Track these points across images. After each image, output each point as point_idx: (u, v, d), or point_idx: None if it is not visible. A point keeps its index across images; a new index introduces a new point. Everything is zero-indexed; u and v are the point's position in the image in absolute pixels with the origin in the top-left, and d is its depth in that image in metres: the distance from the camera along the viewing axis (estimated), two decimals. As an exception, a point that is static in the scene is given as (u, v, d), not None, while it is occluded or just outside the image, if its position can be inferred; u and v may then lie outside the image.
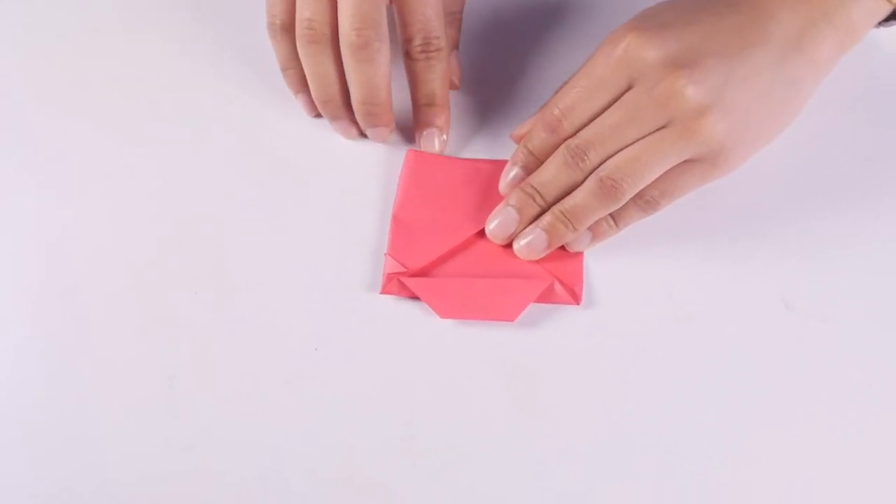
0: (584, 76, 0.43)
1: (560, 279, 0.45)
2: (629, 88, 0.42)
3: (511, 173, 0.46)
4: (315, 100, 0.48)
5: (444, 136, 0.48)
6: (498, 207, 0.45)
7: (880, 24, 0.46)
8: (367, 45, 0.44)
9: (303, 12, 0.45)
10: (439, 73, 0.47)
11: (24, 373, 0.44)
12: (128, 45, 0.53)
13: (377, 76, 0.45)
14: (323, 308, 0.45)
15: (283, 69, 0.48)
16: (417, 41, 0.46)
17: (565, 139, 0.44)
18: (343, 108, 0.48)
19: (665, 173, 0.43)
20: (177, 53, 0.53)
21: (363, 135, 0.49)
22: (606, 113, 0.43)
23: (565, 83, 0.45)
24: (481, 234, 0.46)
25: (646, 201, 0.44)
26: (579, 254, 0.45)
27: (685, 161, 0.42)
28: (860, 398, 0.42)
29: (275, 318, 0.45)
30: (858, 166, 0.48)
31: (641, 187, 0.43)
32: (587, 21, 0.54)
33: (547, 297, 0.45)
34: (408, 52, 0.46)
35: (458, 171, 0.48)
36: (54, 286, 0.46)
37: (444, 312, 0.44)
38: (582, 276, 0.45)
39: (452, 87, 0.50)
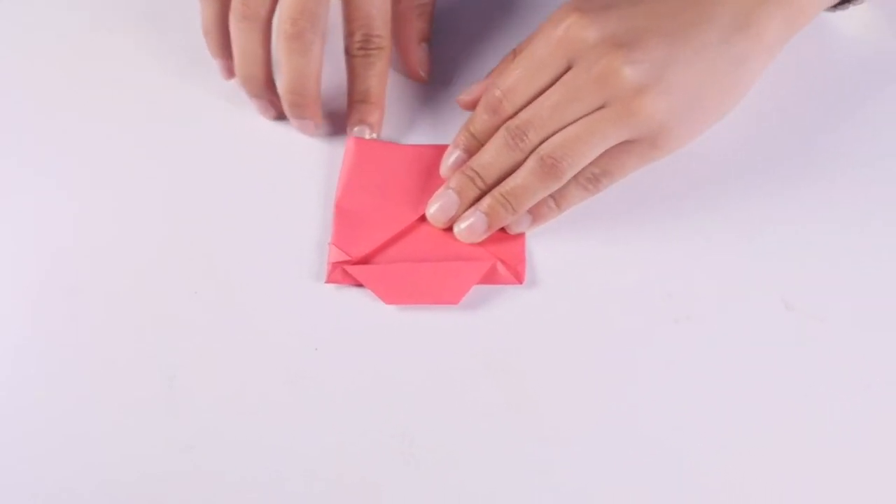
0: (525, 57, 0.44)
1: (502, 259, 0.45)
2: (569, 69, 0.43)
3: (452, 156, 0.46)
4: (237, 74, 0.48)
5: (374, 134, 0.48)
6: (439, 191, 0.46)
7: (834, 7, 0.46)
8: (300, 36, 0.44)
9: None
10: (377, 71, 0.47)
11: (24, 373, 0.44)
12: (128, 45, 0.53)
13: (307, 68, 0.45)
14: (323, 308, 0.45)
15: (205, 32, 0.48)
16: (357, 37, 0.46)
17: (505, 119, 0.44)
18: (264, 88, 0.48)
19: (606, 153, 0.43)
20: (177, 53, 0.53)
21: (282, 116, 0.49)
22: (546, 93, 0.43)
23: (505, 58, 0.45)
24: (424, 218, 0.46)
25: (587, 179, 0.44)
26: (521, 234, 0.46)
27: (626, 141, 0.43)
28: (859, 398, 0.42)
29: (275, 318, 0.45)
30: (858, 165, 0.48)
31: (581, 167, 0.43)
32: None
33: (490, 278, 0.45)
34: (347, 48, 0.47)
35: (400, 157, 0.48)
36: (54, 286, 0.46)
37: (389, 298, 0.44)
38: (524, 255, 0.45)
39: (420, 79, 0.50)
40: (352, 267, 0.45)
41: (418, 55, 0.50)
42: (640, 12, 0.42)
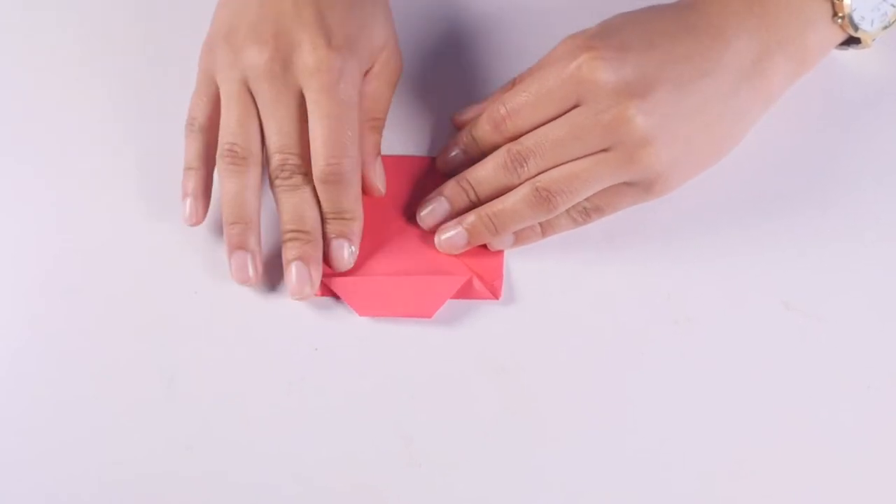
0: (534, 82, 0.43)
1: (479, 274, 0.45)
2: (576, 105, 0.43)
3: (451, 153, 0.46)
4: (228, 219, 0.45)
5: (353, 248, 0.45)
6: (431, 195, 0.46)
7: (838, 47, 0.46)
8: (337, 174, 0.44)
9: (225, 137, 0.45)
10: (349, 193, 0.44)
11: (24, 373, 0.44)
12: (129, 46, 0.53)
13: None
14: (323, 308, 0.45)
15: (188, 168, 0.46)
16: (321, 166, 0.44)
17: (507, 138, 0.44)
18: (253, 235, 0.45)
19: (600, 191, 0.43)
20: (178, 53, 0.53)
21: (258, 279, 0.45)
22: (552, 125, 0.43)
23: (517, 79, 0.45)
24: (402, 229, 0.46)
25: (578, 212, 0.44)
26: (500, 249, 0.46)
27: (621, 183, 0.43)
28: (859, 398, 0.42)
29: (274, 318, 0.45)
30: (860, 167, 0.48)
31: (574, 202, 0.43)
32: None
33: (466, 293, 0.45)
34: (314, 175, 0.44)
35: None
36: (54, 286, 0.46)
37: (363, 310, 0.44)
38: (502, 270, 0.45)
39: (379, 194, 0.47)
40: (328, 278, 0.45)
41: (376, 170, 0.47)
42: (653, 58, 0.42)
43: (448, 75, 0.51)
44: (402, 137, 0.49)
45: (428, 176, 0.48)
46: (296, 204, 0.44)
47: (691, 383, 0.43)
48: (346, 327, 0.44)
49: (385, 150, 0.48)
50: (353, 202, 0.45)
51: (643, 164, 0.42)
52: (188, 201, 0.46)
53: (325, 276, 0.45)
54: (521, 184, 0.44)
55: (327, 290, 0.45)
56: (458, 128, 0.48)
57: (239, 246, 0.44)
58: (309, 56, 0.43)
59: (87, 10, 0.54)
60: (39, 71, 0.52)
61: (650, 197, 0.44)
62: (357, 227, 0.45)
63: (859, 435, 0.42)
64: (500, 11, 0.53)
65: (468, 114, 0.47)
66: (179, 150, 0.49)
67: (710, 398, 0.43)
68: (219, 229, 0.47)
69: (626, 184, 0.43)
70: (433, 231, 0.46)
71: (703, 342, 0.44)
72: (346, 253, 0.45)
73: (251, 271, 0.44)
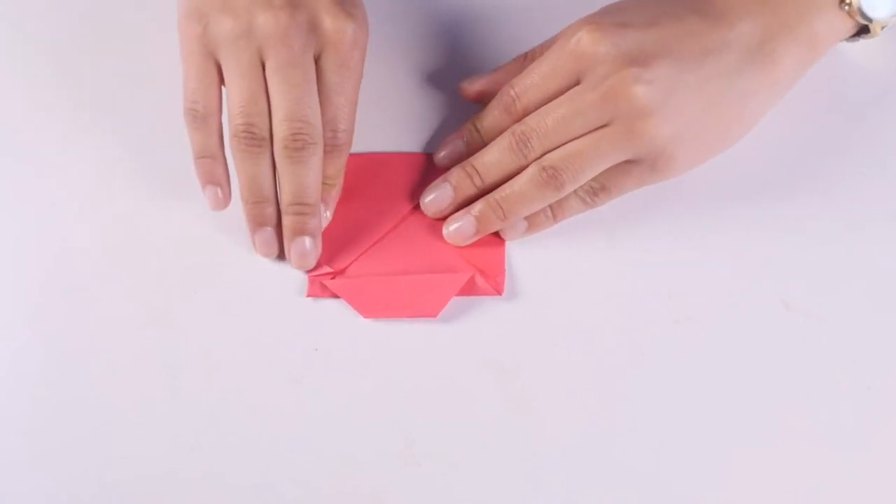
0: (539, 62, 0.44)
1: (481, 270, 0.45)
2: (578, 82, 0.43)
3: (451, 145, 0.46)
4: (249, 201, 0.44)
5: (327, 212, 0.45)
6: (436, 182, 0.46)
7: (849, 39, 0.46)
8: (303, 147, 0.43)
9: (238, 118, 0.43)
10: (342, 164, 0.45)
11: (25, 372, 0.44)
12: (131, 45, 0.53)
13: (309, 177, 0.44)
14: (323, 308, 0.45)
15: (199, 157, 0.45)
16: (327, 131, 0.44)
17: (515, 119, 0.44)
18: (275, 214, 0.45)
19: (607, 170, 0.43)
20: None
21: (282, 254, 0.45)
22: (553, 103, 0.43)
23: (528, 53, 0.45)
24: (402, 227, 0.46)
25: (585, 192, 0.44)
26: (501, 244, 0.46)
27: (627, 161, 0.43)
28: (860, 398, 0.42)
29: (275, 319, 0.45)
30: (864, 164, 0.48)
31: (582, 182, 0.43)
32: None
33: (469, 289, 0.45)
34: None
35: (376, 166, 0.48)
36: (56, 286, 0.46)
37: (368, 312, 0.44)
38: (504, 266, 0.45)
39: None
40: (330, 281, 0.45)
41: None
42: (655, 34, 0.42)
43: (448, 72, 0.51)
44: (401, 135, 0.49)
45: (427, 174, 0.47)
46: (302, 175, 0.43)
47: (691, 382, 0.43)
48: (346, 327, 0.44)
49: (384, 149, 0.48)
50: (337, 173, 0.45)
51: (644, 137, 0.42)
52: (214, 190, 0.45)
53: (326, 278, 0.45)
54: (527, 166, 0.43)
55: (329, 292, 0.45)
56: (465, 97, 0.47)
57: (263, 223, 0.44)
58: (329, 20, 0.43)
59: (87, 10, 0.54)
60: (39, 71, 0.52)
61: (656, 176, 0.44)
62: (335, 192, 0.45)
63: (859, 435, 0.42)
64: (503, 8, 0.53)
65: (476, 84, 0.47)
66: (181, 150, 0.49)
67: (710, 397, 0.42)
68: (221, 229, 0.47)
69: (632, 161, 0.43)
70: (435, 222, 0.45)
71: (704, 341, 0.44)
72: (306, 252, 0.44)
73: (275, 245, 0.45)
